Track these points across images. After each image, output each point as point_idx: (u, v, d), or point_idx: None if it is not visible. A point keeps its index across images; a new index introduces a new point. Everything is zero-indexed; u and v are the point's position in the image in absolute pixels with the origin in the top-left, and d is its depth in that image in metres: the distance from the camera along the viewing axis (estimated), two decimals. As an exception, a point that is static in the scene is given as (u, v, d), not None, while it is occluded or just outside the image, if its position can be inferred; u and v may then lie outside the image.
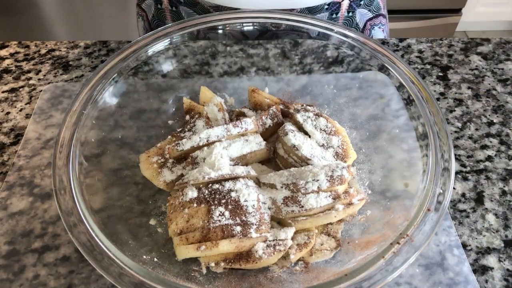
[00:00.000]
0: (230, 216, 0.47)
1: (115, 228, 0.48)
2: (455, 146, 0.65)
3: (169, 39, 0.60)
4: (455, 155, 0.64)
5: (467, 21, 2.24)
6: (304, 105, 0.62)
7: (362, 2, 0.81)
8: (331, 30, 0.61)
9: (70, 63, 0.75)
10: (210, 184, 0.50)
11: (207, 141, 0.54)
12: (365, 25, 0.83)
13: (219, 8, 0.75)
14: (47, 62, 0.76)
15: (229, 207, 0.48)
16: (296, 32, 0.61)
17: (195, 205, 0.49)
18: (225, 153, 0.53)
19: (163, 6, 0.81)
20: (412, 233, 0.43)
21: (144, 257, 0.46)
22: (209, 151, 0.53)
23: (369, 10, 0.84)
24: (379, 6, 0.85)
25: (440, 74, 0.76)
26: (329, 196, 0.50)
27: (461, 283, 0.50)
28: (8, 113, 0.68)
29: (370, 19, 0.84)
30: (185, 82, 0.65)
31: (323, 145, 0.56)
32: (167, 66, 0.63)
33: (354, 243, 0.50)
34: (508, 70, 0.76)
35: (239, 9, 0.73)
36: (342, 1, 0.79)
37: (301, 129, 0.58)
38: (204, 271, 0.47)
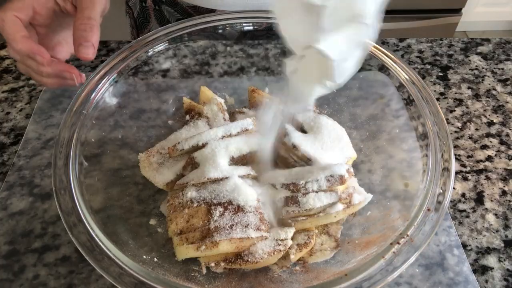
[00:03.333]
0: (230, 216, 0.47)
1: (115, 228, 0.48)
2: (455, 146, 0.65)
3: (169, 39, 0.60)
4: (455, 155, 0.64)
5: (467, 21, 2.24)
6: (304, 105, 0.62)
7: None
8: None
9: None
10: (210, 184, 0.50)
11: (207, 141, 0.54)
12: None
13: (196, 9, 0.75)
14: (47, 62, 0.76)
15: (229, 207, 0.48)
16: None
17: (195, 205, 0.49)
18: (225, 153, 0.53)
19: (147, 4, 0.82)
20: (412, 233, 0.43)
21: (144, 257, 0.46)
22: (209, 151, 0.53)
23: None
24: None
25: (440, 74, 0.76)
26: (329, 196, 0.50)
27: (461, 283, 0.50)
28: (8, 113, 0.68)
29: None
30: (185, 82, 0.65)
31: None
32: (167, 66, 0.63)
33: (354, 243, 0.50)
34: (508, 70, 0.76)
35: (216, 10, 0.73)
36: None
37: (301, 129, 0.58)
38: (204, 271, 0.47)
